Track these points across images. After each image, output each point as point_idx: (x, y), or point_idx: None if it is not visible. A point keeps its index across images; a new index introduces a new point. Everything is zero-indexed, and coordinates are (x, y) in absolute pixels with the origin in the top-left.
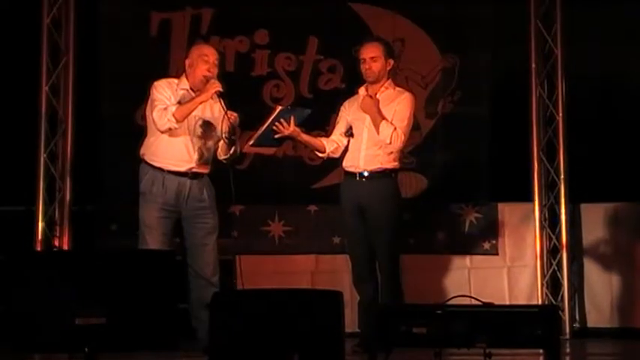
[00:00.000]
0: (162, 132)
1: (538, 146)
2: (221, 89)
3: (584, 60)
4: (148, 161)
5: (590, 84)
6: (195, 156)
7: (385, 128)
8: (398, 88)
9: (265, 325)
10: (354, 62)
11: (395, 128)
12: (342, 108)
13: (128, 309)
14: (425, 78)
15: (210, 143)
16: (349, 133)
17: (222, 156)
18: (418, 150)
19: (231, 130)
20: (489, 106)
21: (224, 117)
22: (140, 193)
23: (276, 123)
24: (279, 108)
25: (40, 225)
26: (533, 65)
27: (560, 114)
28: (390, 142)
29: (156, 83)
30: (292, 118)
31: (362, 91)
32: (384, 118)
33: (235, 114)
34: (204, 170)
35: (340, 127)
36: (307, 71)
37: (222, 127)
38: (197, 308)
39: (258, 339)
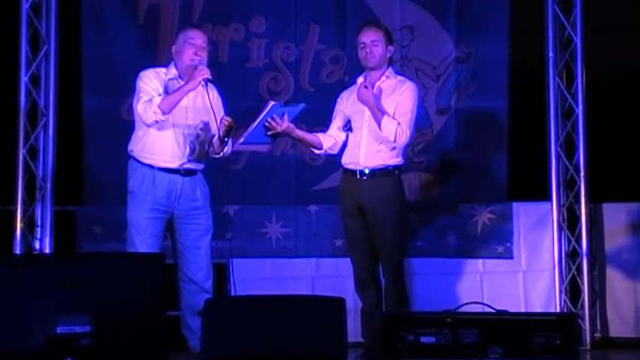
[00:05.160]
0: (148, 125)
1: (556, 141)
2: (209, 76)
3: (605, 48)
4: (137, 157)
5: (611, 74)
6: (187, 150)
7: (388, 124)
8: (399, 77)
9: (262, 334)
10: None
11: (399, 123)
12: (339, 100)
13: (114, 316)
14: (436, 69)
15: (203, 136)
16: (347, 127)
17: (214, 154)
18: (429, 148)
19: (226, 133)
20: (506, 99)
21: (220, 122)
22: (128, 192)
23: (268, 119)
24: (272, 103)
25: (19, 226)
26: (551, 54)
27: (580, 106)
28: (395, 140)
29: (141, 74)
30: (285, 113)
31: (360, 80)
32: (384, 112)
33: (230, 119)
34: (197, 167)
35: (337, 121)
36: (308, 62)
37: (216, 124)
38: (188, 316)
39: (255, 349)
